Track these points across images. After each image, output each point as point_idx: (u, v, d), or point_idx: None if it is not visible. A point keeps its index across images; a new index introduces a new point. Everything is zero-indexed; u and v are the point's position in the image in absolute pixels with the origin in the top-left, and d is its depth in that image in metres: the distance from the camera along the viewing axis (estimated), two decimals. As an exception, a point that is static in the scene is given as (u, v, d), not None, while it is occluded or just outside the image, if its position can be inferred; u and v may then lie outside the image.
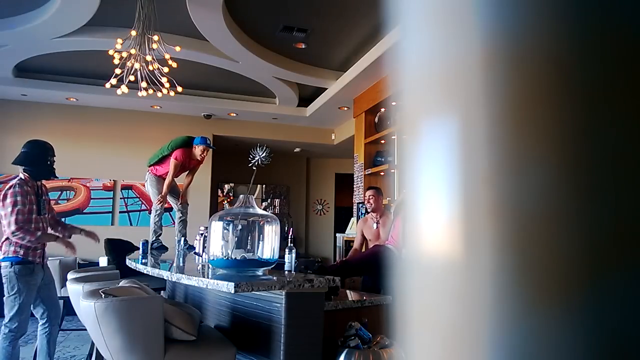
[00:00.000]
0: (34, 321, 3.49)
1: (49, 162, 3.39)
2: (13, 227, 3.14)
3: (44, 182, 3.48)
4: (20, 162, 3.33)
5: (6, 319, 3.17)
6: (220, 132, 7.73)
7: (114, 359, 1.98)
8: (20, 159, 3.34)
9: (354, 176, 6.45)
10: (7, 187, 3.24)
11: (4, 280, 3.20)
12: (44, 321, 3.42)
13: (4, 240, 3.24)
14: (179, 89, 4.28)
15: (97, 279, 2.89)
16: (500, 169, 0.22)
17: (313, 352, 2.06)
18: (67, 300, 3.69)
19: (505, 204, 0.22)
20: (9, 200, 3.18)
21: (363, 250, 4.61)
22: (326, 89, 6.44)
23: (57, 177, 3.58)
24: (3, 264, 3.22)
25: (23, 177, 3.30)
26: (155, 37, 3.97)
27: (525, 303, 0.21)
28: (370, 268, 4.08)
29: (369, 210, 4.54)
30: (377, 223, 4.51)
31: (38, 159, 3.34)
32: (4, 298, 3.20)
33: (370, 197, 4.46)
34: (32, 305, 3.35)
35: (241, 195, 2.47)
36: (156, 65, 4.09)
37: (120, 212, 7.24)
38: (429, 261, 0.24)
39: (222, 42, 5.08)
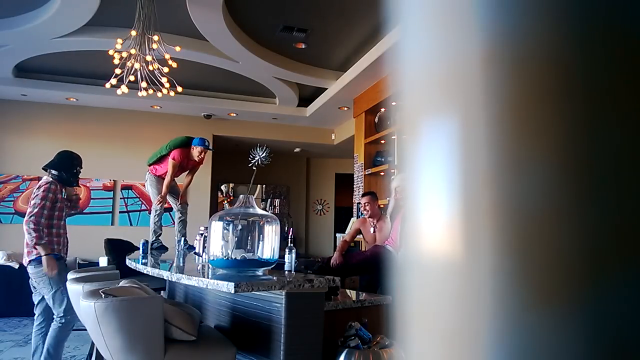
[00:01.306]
0: (31, 322, 3.54)
1: (75, 171, 3.76)
2: (32, 218, 3.34)
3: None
4: (52, 167, 3.64)
5: (60, 313, 3.36)
6: (220, 132, 7.73)
7: (114, 359, 1.98)
8: (52, 164, 3.66)
9: (354, 176, 6.45)
10: (41, 183, 3.53)
11: (41, 280, 3.39)
12: (42, 319, 3.47)
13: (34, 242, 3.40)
14: (179, 89, 4.28)
15: (97, 279, 2.89)
16: (500, 169, 0.22)
17: (313, 352, 2.06)
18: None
19: (505, 204, 0.22)
20: (40, 194, 3.43)
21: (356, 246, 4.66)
22: (326, 89, 6.43)
23: (79, 186, 3.95)
24: (35, 263, 3.40)
25: (52, 180, 3.58)
26: (155, 37, 3.97)
27: (525, 303, 0.21)
28: (369, 268, 4.09)
29: (366, 217, 4.59)
30: (374, 227, 4.54)
31: (67, 167, 3.68)
32: (49, 295, 3.38)
33: (366, 204, 4.52)
34: (37, 302, 3.49)
35: (241, 195, 2.47)
36: (156, 65, 4.09)
37: (120, 212, 7.24)
38: (429, 261, 0.24)
39: (222, 42, 5.08)
